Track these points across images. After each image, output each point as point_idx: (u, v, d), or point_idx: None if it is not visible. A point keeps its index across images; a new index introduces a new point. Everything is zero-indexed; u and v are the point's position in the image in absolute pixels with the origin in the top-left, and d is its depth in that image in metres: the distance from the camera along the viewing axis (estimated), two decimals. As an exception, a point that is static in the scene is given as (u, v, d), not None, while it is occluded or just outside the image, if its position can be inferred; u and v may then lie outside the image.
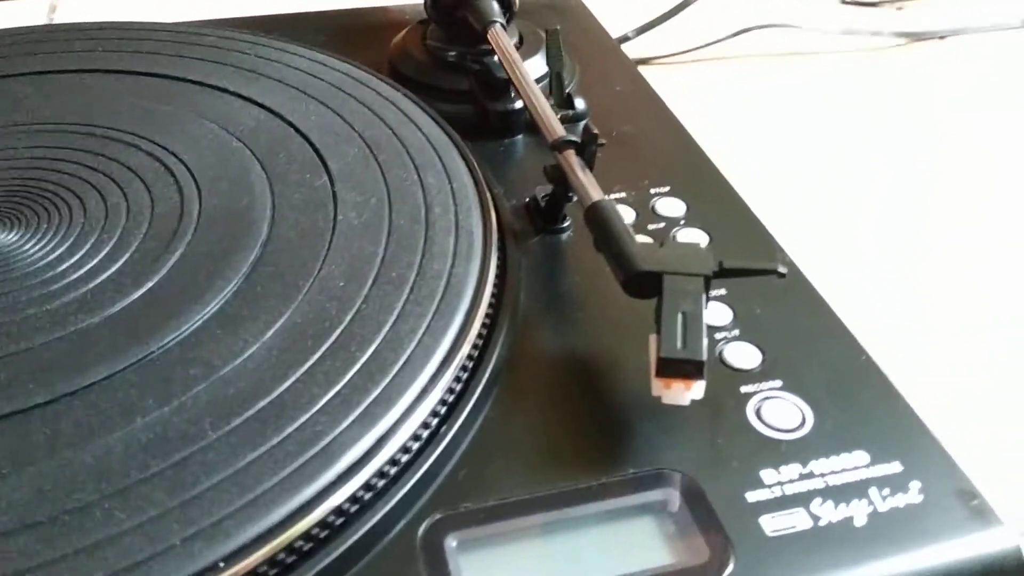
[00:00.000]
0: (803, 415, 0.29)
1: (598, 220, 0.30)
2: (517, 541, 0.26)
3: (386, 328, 0.29)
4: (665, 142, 0.42)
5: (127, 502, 0.24)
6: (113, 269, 0.31)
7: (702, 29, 0.62)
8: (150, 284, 0.31)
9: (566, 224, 0.36)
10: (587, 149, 0.33)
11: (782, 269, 0.28)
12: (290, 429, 0.26)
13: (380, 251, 0.32)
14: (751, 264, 0.28)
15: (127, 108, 0.38)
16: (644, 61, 0.60)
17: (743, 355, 0.31)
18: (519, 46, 0.45)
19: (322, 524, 0.24)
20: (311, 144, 0.37)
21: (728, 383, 0.30)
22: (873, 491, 0.27)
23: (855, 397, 0.30)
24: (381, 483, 0.26)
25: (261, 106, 0.39)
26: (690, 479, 0.27)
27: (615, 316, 0.32)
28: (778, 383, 0.30)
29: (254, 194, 0.35)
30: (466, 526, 0.26)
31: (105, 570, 0.22)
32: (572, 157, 0.33)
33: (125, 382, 0.27)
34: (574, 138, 0.33)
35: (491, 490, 0.26)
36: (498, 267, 0.33)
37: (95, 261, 0.32)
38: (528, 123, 0.42)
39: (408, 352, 0.28)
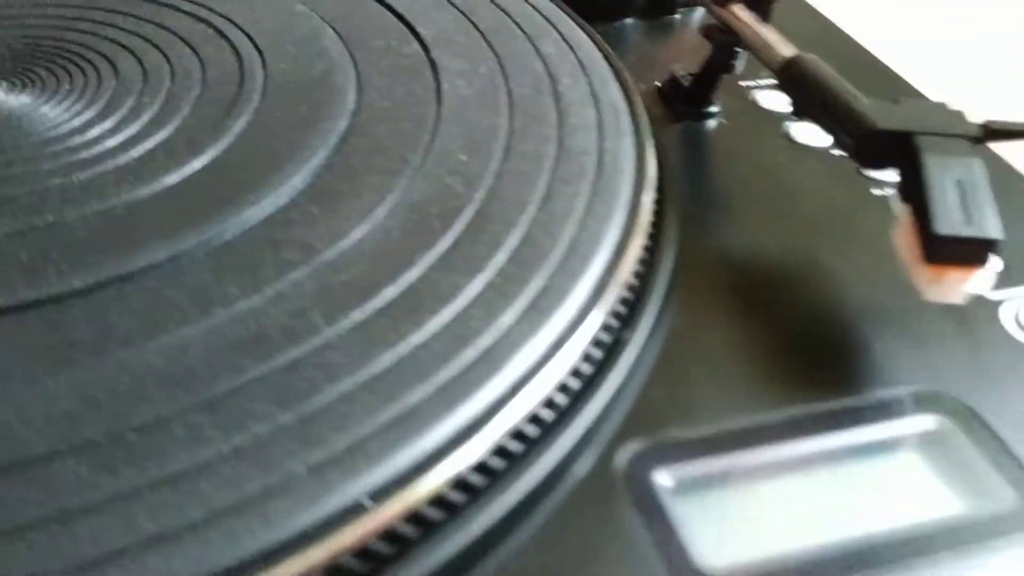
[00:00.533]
0: (1075, 322, 0.22)
1: (805, 77, 0.23)
2: (748, 482, 0.19)
3: (532, 208, 0.22)
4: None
5: (219, 415, 0.16)
6: (161, 136, 0.24)
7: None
8: (212, 153, 0.23)
9: (714, 109, 0.29)
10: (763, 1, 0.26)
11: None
12: (434, 325, 0.19)
13: (504, 122, 0.25)
14: (1015, 125, 0.22)
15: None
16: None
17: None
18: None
19: (497, 451, 0.17)
20: (391, 10, 0.30)
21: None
22: None
23: None
24: (563, 399, 0.19)
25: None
26: (961, 402, 0.20)
27: (801, 211, 0.25)
28: (1032, 288, 0.23)
29: (331, 59, 0.27)
30: (678, 459, 0.19)
31: (202, 508, 0.15)
32: (743, 11, 0.26)
33: (196, 264, 0.20)
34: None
35: (698, 415, 0.19)
36: (655, 145, 0.26)
37: (135, 127, 0.24)
38: (643, 5, 0.35)
39: (569, 237, 0.21)
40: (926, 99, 0.25)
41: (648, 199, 0.23)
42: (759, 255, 0.24)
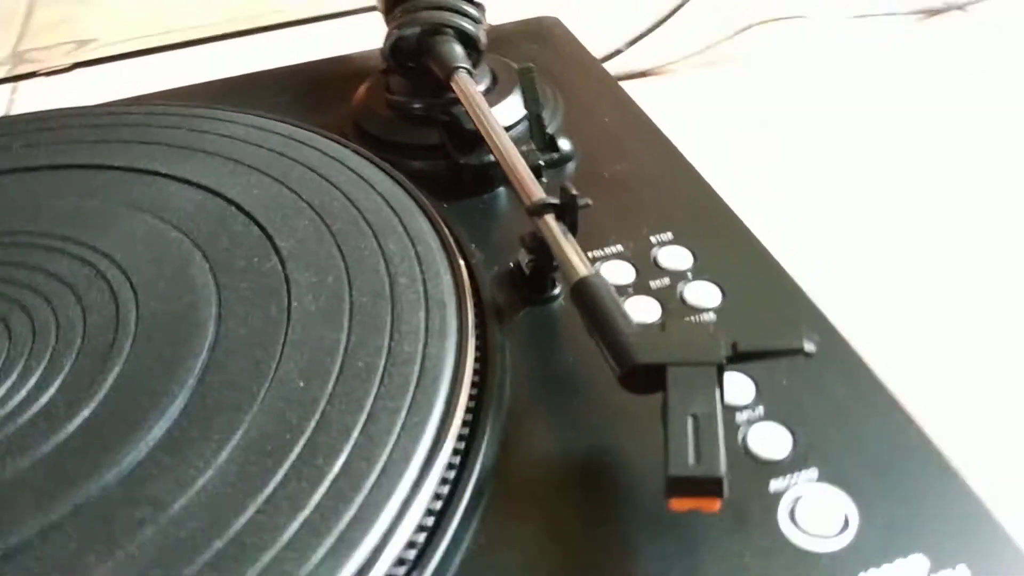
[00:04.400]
0: (846, 515, 0.24)
1: (585, 302, 0.26)
2: None
3: (356, 432, 0.25)
4: (664, 178, 0.37)
5: None
6: (43, 400, 0.28)
7: (699, 33, 0.57)
8: (85, 412, 0.27)
9: (556, 292, 0.32)
10: (568, 213, 0.29)
11: (809, 347, 0.23)
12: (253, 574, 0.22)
13: (343, 338, 0.28)
14: (771, 344, 0.24)
15: (49, 208, 0.34)
16: (639, 74, 0.55)
17: (771, 440, 0.26)
18: (492, 87, 0.40)
19: None
20: (255, 222, 0.33)
21: (754, 479, 0.25)
22: (940, 611, 0.22)
23: (908, 485, 0.25)
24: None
25: (197, 185, 0.35)
26: (718, 613, 0.22)
27: (620, 404, 0.28)
28: (813, 473, 0.25)
29: (196, 290, 0.30)
30: None
31: None
32: (552, 222, 0.29)
33: (62, 535, 0.23)
34: (553, 201, 0.29)
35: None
36: (478, 344, 0.29)
37: (22, 393, 0.28)
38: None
39: (383, 460, 0.24)
40: (690, 325, 0.27)
41: (460, 408, 0.26)
42: (572, 451, 0.27)
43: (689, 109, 0.52)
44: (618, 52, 0.55)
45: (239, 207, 0.34)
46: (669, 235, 0.34)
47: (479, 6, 0.39)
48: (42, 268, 0.32)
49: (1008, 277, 0.41)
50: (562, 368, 0.29)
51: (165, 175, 0.36)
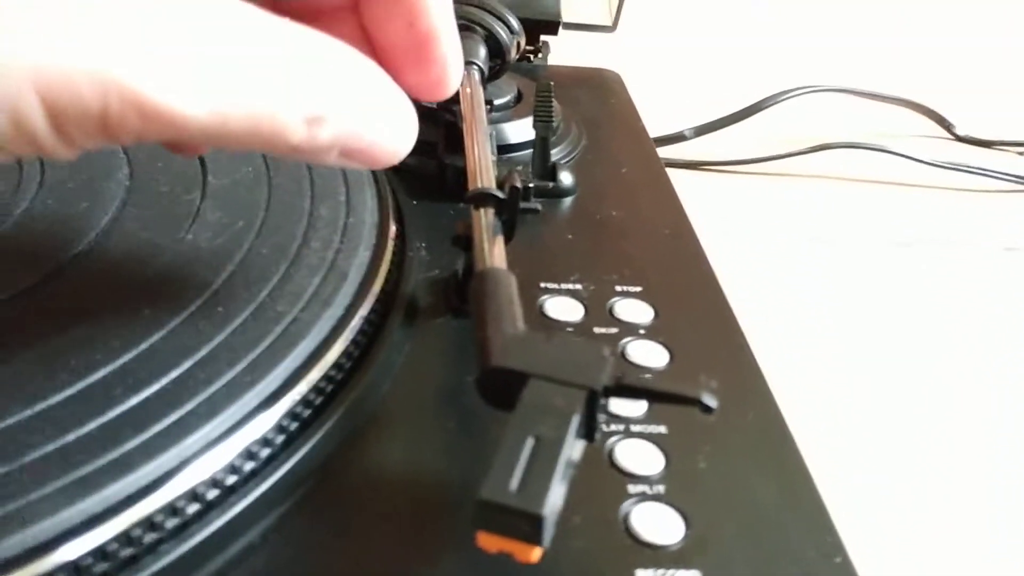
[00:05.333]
0: (717, 632, 0.19)
1: (478, 293, 0.22)
2: None
3: (175, 372, 0.21)
4: (658, 240, 0.33)
5: None
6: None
7: (774, 140, 0.54)
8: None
9: (486, 307, 0.27)
10: (509, 208, 0.25)
11: (709, 401, 0.19)
12: None
13: (217, 280, 0.24)
14: (667, 386, 0.19)
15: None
16: (697, 165, 0.51)
17: (660, 523, 0.21)
18: (514, 103, 0.38)
19: None
20: (201, 158, 0.30)
21: (619, 558, 0.20)
22: None
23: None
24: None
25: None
26: None
27: (495, 441, 0.23)
28: (696, 575, 0.20)
29: (101, 201, 0.28)
30: None
31: None
32: (488, 216, 0.25)
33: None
34: (497, 193, 0.25)
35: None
36: (366, 331, 0.25)
37: None
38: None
39: (183, 411, 0.20)
40: (581, 341, 0.23)
41: (310, 378, 0.22)
42: (417, 475, 0.22)
43: (731, 204, 0.48)
44: (682, 137, 0.52)
45: (192, 141, 0.31)
46: (638, 288, 0.29)
47: (517, 26, 0.37)
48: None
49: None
50: (456, 386, 0.25)
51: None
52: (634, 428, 0.24)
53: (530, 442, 0.18)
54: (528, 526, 0.17)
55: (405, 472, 0.22)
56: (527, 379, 0.19)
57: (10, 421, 0.20)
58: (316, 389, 0.23)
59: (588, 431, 0.19)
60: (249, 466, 0.21)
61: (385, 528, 0.20)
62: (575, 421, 0.18)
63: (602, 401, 0.19)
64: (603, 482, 0.22)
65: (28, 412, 0.20)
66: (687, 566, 0.20)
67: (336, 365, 0.23)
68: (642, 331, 0.27)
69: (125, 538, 0.18)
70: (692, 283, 0.30)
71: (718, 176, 0.51)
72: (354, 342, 0.24)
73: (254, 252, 0.26)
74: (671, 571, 0.20)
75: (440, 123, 0.35)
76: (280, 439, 0.21)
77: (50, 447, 0.19)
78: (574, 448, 0.18)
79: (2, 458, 0.18)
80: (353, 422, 0.23)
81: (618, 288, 0.29)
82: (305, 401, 0.22)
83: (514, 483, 0.17)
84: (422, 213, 0.32)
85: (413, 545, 0.20)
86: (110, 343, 0.22)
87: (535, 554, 0.17)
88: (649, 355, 0.26)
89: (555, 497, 0.17)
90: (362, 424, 0.23)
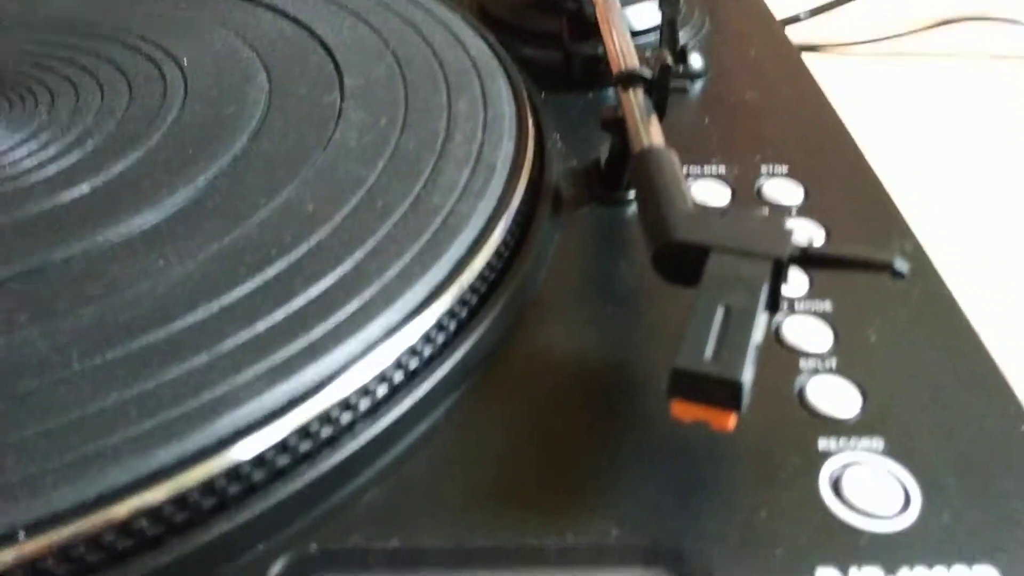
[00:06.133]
0: (907, 496, 0.19)
1: (642, 172, 0.21)
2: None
3: (347, 263, 0.22)
4: (798, 117, 0.32)
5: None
6: (51, 168, 0.26)
7: (893, 17, 0.51)
8: (84, 188, 0.25)
9: (630, 196, 0.27)
10: (659, 87, 0.24)
11: (901, 265, 0.18)
12: (173, 374, 0.19)
13: (371, 177, 0.25)
14: (851, 252, 0.19)
15: (141, 11, 0.33)
16: (813, 47, 0.49)
17: (835, 396, 0.21)
18: (639, -12, 0.36)
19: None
20: (333, 58, 0.30)
21: (801, 432, 0.20)
22: (997, 640, 0.16)
23: (996, 488, 0.19)
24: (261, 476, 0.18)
25: (291, 18, 0.33)
26: (702, 565, 0.17)
27: (656, 323, 0.23)
28: (879, 443, 0.20)
29: (246, 103, 0.28)
30: (345, 570, 0.17)
31: None
32: (638, 97, 0.24)
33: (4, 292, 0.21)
34: (644, 73, 0.25)
35: (401, 526, 0.18)
36: (519, 220, 0.25)
37: (38, 155, 0.26)
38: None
39: (362, 299, 0.21)
40: (759, 215, 0.22)
41: (475, 268, 0.22)
42: (587, 359, 0.22)
43: (857, 87, 0.46)
44: (796, 19, 0.50)
45: (322, 42, 0.31)
46: (784, 168, 0.28)
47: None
48: (107, 57, 0.30)
49: None
50: (608, 272, 0.25)
51: (265, 4, 0.34)
52: (799, 306, 0.24)
53: (720, 312, 0.17)
54: (726, 393, 0.17)
55: (573, 352, 0.22)
56: (708, 253, 0.19)
57: (201, 315, 0.20)
58: (480, 277, 0.23)
59: (773, 302, 0.19)
60: (428, 351, 0.21)
61: (562, 403, 0.21)
62: (764, 290, 0.18)
63: (786, 272, 0.18)
64: (773, 359, 0.22)
65: (216, 306, 0.21)
66: (869, 435, 0.20)
67: (496, 253, 0.23)
68: (794, 210, 0.27)
69: (325, 418, 0.19)
70: (839, 160, 0.29)
71: (835, 58, 0.49)
72: (509, 231, 0.24)
73: (402, 148, 0.26)
74: (854, 439, 0.20)
75: (562, 12, 0.34)
76: (452, 325, 0.22)
77: (244, 335, 0.20)
78: (762, 322, 0.18)
79: (200, 348, 0.19)
80: (516, 309, 0.23)
81: (763, 168, 0.28)
82: (472, 288, 0.22)
83: (708, 352, 0.17)
84: (551, 105, 0.32)
85: (590, 417, 0.20)
86: (282, 239, 0.22)
87: (731, 421, 0.17)
88: (805, 234, 0.26)
89: (750, 366, 0.17)
90: (525, 311, 0.23)
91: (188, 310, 0.20)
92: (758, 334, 0.18)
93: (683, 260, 0.19)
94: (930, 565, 0.17)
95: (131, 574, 0.16)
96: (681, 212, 0.20)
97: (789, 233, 0.19)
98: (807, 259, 0.18)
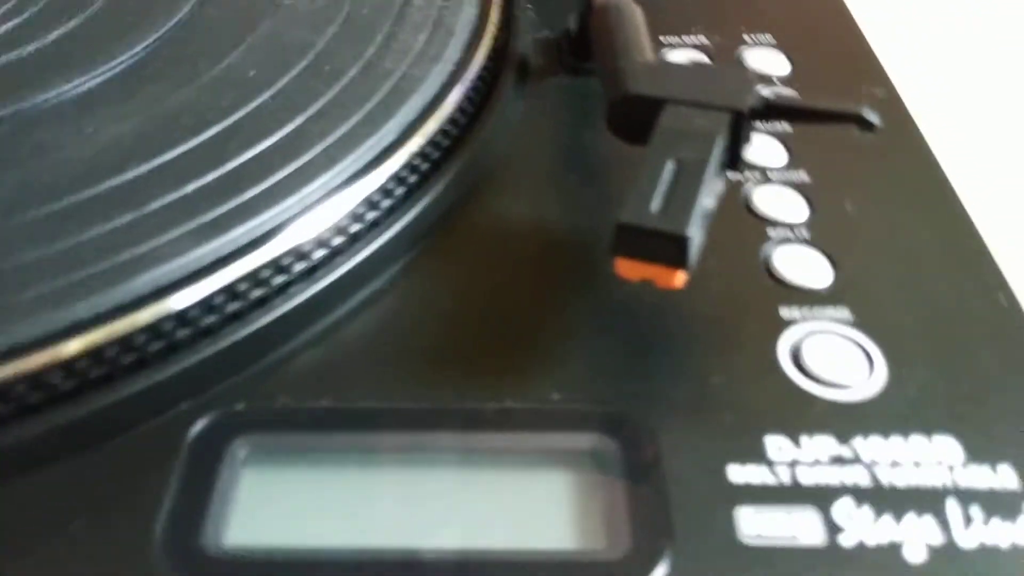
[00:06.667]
0: (872, 367, 0.18)
1: (600, 25, 0.20)
2: (342, 469, 0.16)
3: (288, 127, 0.20)
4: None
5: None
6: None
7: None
8: (20, 51, 0.24)
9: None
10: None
11: (870, 116, 0.17)
12: (94, 233, 0.18)
13: (320, 41, 0.23)
14: (816, 103, 0.17)
15: None
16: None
17: (804, 266, 0.20)
18: None
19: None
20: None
21: (763, 299, 0.19)
22: (952, 505, 0.15)
23: (969, 356, 0.18)
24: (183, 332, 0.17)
25: None
26: (645, 429, 0.17)
27: (618, 193, 0.22)
28: (845, 313, 0.19)
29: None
30: (271, 429, 0.17)
31: None
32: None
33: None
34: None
35: (334, 387, 0.17)
36: (479, 88, 0.23)
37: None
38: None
39: (301, 161, 0.20)
40: (720, 65, 0.21)
41: (425, 132, 0.21)
42: (541, 224, 0.21)
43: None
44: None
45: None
46: (769, 37, 0.27)
47: None
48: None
49: None
50: (574, 143, 0.23)
51: None
52: (773, 175, 0.22)
53: (670, 166, 0.16)
54: (671, 248, 0.15)
55: (530, 221, 0.21)
56: (664, 105, 0.17)
57: (130, 175, 0.19)
58: (433, 143, 0.22)
59: (732, 159, 0.17)
60: (372, 215, 0.20)
61: (514, 270, 0.20)
62: (720, 143, 0.16)
63: (747, 126, 0.17)
64: (740, 226, 0.21)
65: (146, 166, 0.19)
66: (836, 304, 0.19)
67: (451, 120, 0.22)
68: (776, 81, 0.25)
69: (253, 279, 0.18)
70: (828, 28, 0.27)
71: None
72: (467, 98, 0.23)
73: (355, 13, 0.25)
74: (818, 308, 0.19)
75: None
76: (400, 191, 0.21)
77: (172, 196, 0.19)
78: (716, 180, 0.17)
79: (127, 206, 0.18)
80: (474, 177, 0.22)
81: (746, 38, 0.27)
82: (423, 154, 0.21)
83: (655, 205, 0.16)
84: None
85: (544, 284, 0.19)
86: (220, 104, 0.21)
87: (678, 279, 0.16)
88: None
89: (697, 221, 0.16)
90: (483, 179, 0.22)
91: (116, 173, 0.19)
92: (710, 191, 0.16)
93: (639, 116, 0.18)
94: (886, 435, 0.16)
95: (43, 426, 0.16)
96: (638, 65, 0.18)
97: (752, 84, 0.17)
98: (770, 111, 0.17)
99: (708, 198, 0.16)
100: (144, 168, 0.19)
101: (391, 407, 0.17)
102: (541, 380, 0.17)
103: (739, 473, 0.16)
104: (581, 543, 0.15)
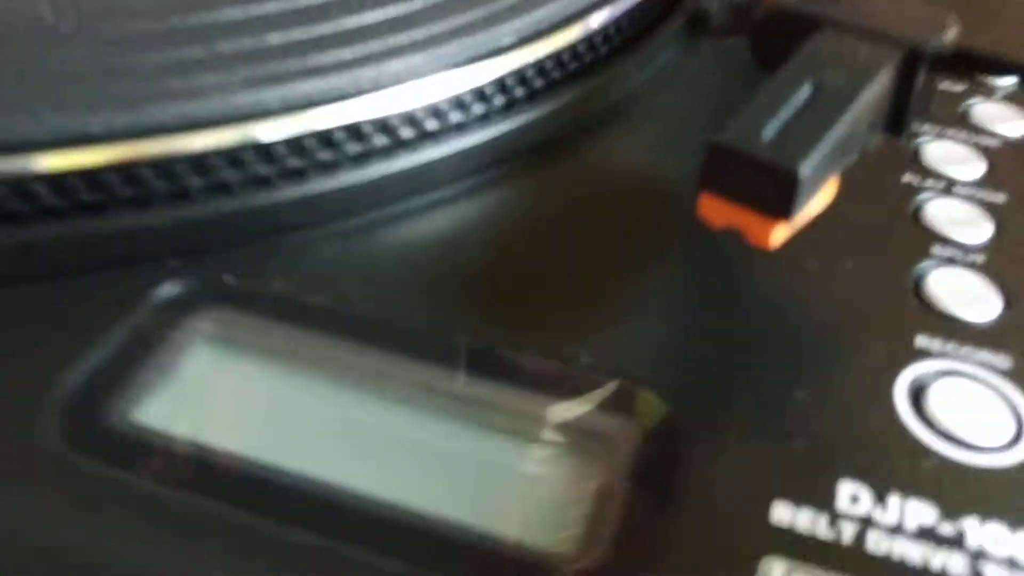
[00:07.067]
0: (1019, 432, 0.13)
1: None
2: (308, 379, 0.13)
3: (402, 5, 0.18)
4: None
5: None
6: None
7: None
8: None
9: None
10: None
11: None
12: (156, 60, 0.16)
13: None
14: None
15: None
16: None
17: (966, 293, 0.15)
18: None
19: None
20: None
21: (899, 318, 0.15)
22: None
23: None
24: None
25: None
26: (676, 424, 0.13)
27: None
28: (1003, 361, 0.14)
29: None
30: (248, 311, 0.14)
31: None
32: None
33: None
34: None
35: (339, 288, 0.14)
36: (633, 17, 0.20)
37: None
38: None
39: (395, 42, 0.17)
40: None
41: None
42: (660, 173, 0.17)
43: None
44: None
45: None
46: None
47: None
48: None
49: None
50: (722, 106, 0.20)
51: None
52: (959, 190, 0.18)
53: (807, 89, 0.12)
54: (775, 188, 0.12)
55: (639, 173, 0.18)
56: (816, 26, 0.13)
57: (215, 18, 0.17)
58: (558, 61, 0.18)
59: (896, 117, 0.13)
60: (456, 117, 0.17)
61: (600, 218, 0.16)
62: (881, 80, 0.12)
63: (924, 76, 0.13)
64: (899, 235, 0.16)
65: (240, 13, 0.17)
66: (994, 347, 0.14)
67: (586, 40, 0.19)
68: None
69: (325, 139, 0.15)
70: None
71: None
72: (616, 26, 0.20)
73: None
74: (969, 347, 0.14)
75: None
76: (520, 92, 0.18)
77: (247, 44, 0.16)
78: (865, 132, 0.13)
79: (195, 42, 0.16)
80: (598, 109, 0.19)
81: None
82: (539, 67, 0.18)
83: (769, 132, 0.12)
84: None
85: (627, 240, 0.16)
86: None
87: (776, 233, 0.12)
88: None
89: (821, 164, 0.12)
90: (610, 116, 0.19)
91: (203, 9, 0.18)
92: (852, 139, 0.12)
93: (781, 37, 0.14)
94: (1012, 524, 0.12)
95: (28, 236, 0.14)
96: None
97: (945, 24, 0.13)
98: (960, 59, 0.13)
99: (845, 145, 0.12)
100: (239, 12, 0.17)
101: (387, 323, 0.14)
102: (575, 338, 0.14)
103: (786, 513, 0.12)
104: (538, 538, 0.11)
